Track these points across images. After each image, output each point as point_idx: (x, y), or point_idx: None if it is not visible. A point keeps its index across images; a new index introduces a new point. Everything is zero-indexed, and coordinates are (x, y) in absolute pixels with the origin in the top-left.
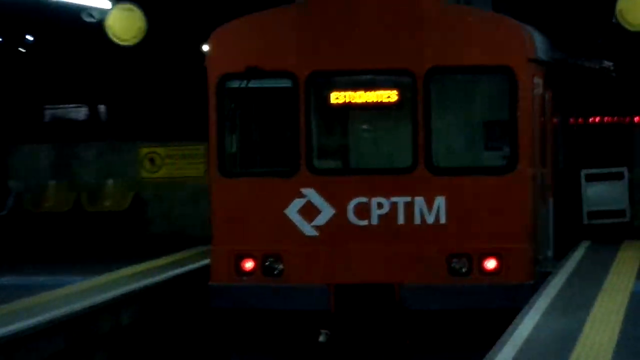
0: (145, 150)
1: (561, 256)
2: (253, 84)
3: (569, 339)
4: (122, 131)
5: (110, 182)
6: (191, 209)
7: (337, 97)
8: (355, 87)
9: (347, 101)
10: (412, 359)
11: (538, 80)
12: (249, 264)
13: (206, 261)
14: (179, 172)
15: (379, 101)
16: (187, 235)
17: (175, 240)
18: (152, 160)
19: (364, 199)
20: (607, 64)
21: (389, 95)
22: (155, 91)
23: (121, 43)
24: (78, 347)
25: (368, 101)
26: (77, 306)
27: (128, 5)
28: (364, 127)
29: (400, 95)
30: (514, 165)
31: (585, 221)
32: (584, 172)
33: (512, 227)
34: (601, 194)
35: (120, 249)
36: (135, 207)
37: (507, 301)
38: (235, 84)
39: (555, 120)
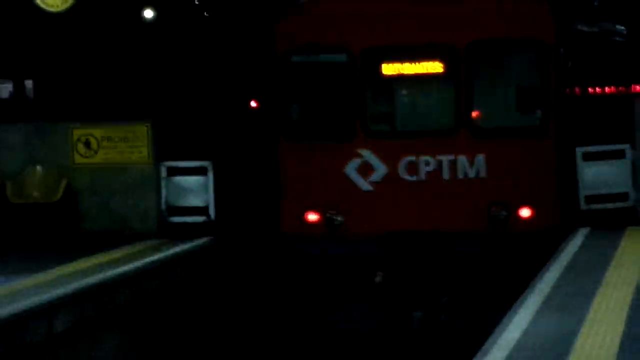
0: (79, 132)
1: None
2: (314, 58)
3: (565, 341)
4: (52, 110)
5: (38, 169)
6: (133, 200)
7: (388, 69)
8: (403, 59)
9: (397, 72)
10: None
11: (563, 50)
12: (312, 217)
13: (154, 257)
14: (119, 157)
15: (425, 72)
16: (128, 229)
17: (114, 236)
18: (87, 144)
19: (412, 158)
20: (609, 26)
21: (434, 67)
22: (89, 64)
23: (49, 9)
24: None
25: (415, 72)
26: (2, 312)
27: None
28: (412, 95)
29: (444, 66)
30: (546, 126)
31: (583, 206)
32: (580, 150)
33: (543, 180)
34: (600, 175)
35: (50, 245)
36: (67, 198)
37: (541, 246)
38: (298, 58)
39: (576, 88)
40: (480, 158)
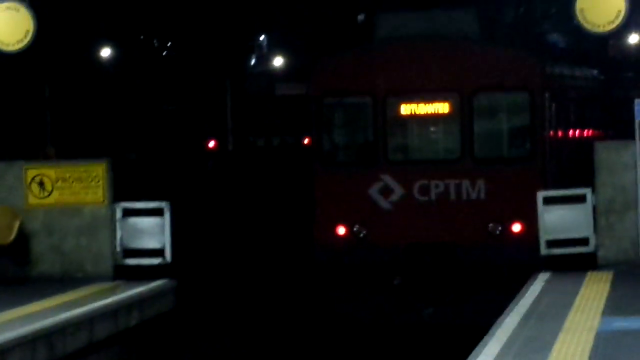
0: (33, 172)
1: None
2: (344, 100)
3: None
4: (3, 148)
5: None
6: (87, 241)
7: (405, 110)
8: (418, 102)
9: (412, 113)
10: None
11: (548, 95)
12: (341, 230)
13: (108, 300)
14: (73, 197)
15: (435, 112)
16: (82, 271)
17: (67, 278)
18: (41, 184)
19: (425, 182)
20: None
21: (443, 108)
22: (45, 104)
23: (4, 48)
24: None
25: (427, 112)
26: None
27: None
28: (425, 130)
29: (451, 108)
30: (534, 156)
31: (544, 251)
32: (541, 194)
33: (531, 200)
34: (561, 219)
35: (1, 288)
36: (20, 239)
37: (530, 255)
38: (330, 100)
39: (560, 128)
40: (480, 183)
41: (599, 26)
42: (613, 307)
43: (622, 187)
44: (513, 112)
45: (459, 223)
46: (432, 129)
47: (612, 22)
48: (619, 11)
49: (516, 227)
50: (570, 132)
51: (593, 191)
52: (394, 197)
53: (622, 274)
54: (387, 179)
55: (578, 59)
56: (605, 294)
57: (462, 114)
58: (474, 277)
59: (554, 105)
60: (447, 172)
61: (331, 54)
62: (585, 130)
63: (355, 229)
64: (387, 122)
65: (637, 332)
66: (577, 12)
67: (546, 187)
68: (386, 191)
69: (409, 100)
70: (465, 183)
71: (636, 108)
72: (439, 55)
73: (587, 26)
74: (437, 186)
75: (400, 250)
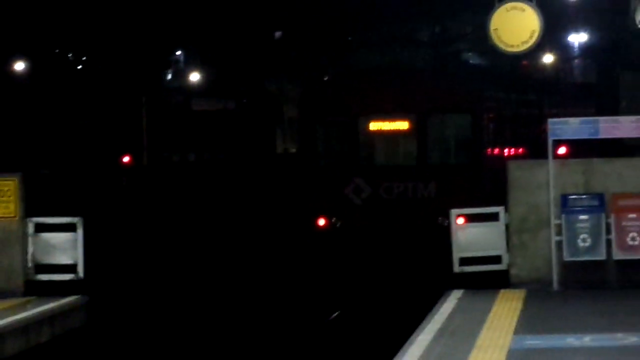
0: None
1: None
2: (327, 120)
3: None
4: None
5: None
6: None
7: (374, 126)
8: (384, 120)
9: (379, 128)
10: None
11: (485, 116)
12: (322, 222)
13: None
14: None
15: (397, 129)
16: None
17: None
18: None
19: (388, 183)
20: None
21: (403, 125)
22: None
23: None
24: None
25: (391, 129)
26: None
27: None
28: (389, 142)
29: (409, 125)
30: (474, 163)
31: (457, 269)
32: (454, 212)
33: (472, 198)
34: (475, 237)
35: None
36: None
37: None
38: (317, 120)
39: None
40: (432, 184)
41: (512, 46)
42: (525, 325)
43: (535, 206)
44: (458, 129)
45: (415, 216)
46: (394, 141)
47: (526, 42)
48: (533, 31)
49: (460, 220)
50: (504, 146)
51: (506, 209)
52: (364, 195)
53: (534, 292)
54: (359, 181)
55: (512, 82)
56: (517, 312)
57: (418, 130)
58: (426, 259)
59: (490, 124)
60: (406, 176)
61: (316, 85)
62: (518, 146)
63: (333, 220)
64: (359, 136)
65: (548, 350)
66: (492, 32)
67: (483, 189)
68: (358, 191)
69: (376, 119)
70: (420, 185)
71: (550, 127)
72: (400, 84)
73: (502, 46)
74: (398, 187)
75: (367, 236)
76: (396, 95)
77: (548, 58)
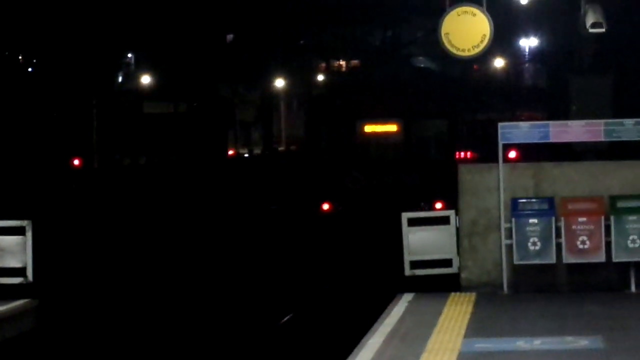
0: None
1: None
2: (332, 122)
3: None
4: None
5: None
6: None
7: (369, 129)
8: (377, 124)
9: (373, 130)
10: None
11: (460, 120)
12: (326, 206)
13: None
14: None
15: (387, 130)
16: None
17: None
18: None
19: (380, 175)
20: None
21: (392, 128)
22: None
23: None
24: None
25: (383, 130)
26: None
27: None
28: (381, 141)
29: (397, 128)
30: (450, 160)
31: (408, 272)
32: (405, 215)
33: (447, 187)
34: (426, 241)
35: None
36: None
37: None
38: (325, 122)
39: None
40: (416, 175)
41: (463, 50)
42: (475, 328)
43: (485, 210)
44: (437, 131)
45: (401, 202)
46: (385, 141)
47: (477, 46)
48: (484, 35)
49: (438, 205)
50: (477, 146)
51: (457, 213)
52: (360, 184)
53: (484, 295)
54: (356, 173)
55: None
56: (467, 315)
57: (404, 132)
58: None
59: (464, 127)
60: (394, 169)
61: (320, 96)
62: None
63: (335, 205)
64: (356, 136)
65: (498, 353)
66: (442, 36)
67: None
68: (355, 181)
69: (370, 123)
70: (406, 176)
71: (500, 131)
72: (390, 95)
73: (452, 50)
74: (387, 178)
75: (363, 218)
76: (387, 104)
77: (499, 62)
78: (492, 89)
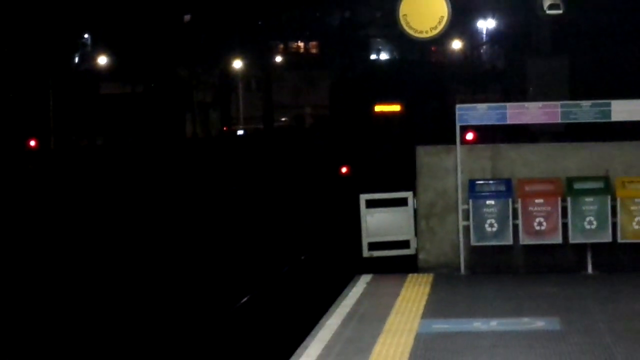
0: None
1: None
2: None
3: None
4: None
5: None
6: None
7: (378, 109)
8: (384, 104)
9: (381, 110)
10: None
11: (451, 99)
12: (344, 170)
13: None
14: None
15: (392, 110)
16: None
17: None
18: None
19: (387, 144)
20: None
21: (396, 107)
22: None
23: None
24: None
25: (389, 110)
26: None
27: None
28: (387, 118)
29: (400, 107)
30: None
31: (366, 253)
32: (363, 197)
33: None
34: (384, 222)
35: None
36: None
37: None
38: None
39: None
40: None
41: (421, 32)
42: (432, 309)
43: (443, 191)
44: (434, 109)
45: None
46: (391, 118)
47: (435, 27)
48: (442, 17)
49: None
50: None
51: (415, 195)
52: (371, 151)
53: (442, 276)
54: (369, 143)
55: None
56: (425, 297)
57: (406, 111)
58: None
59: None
60: (397, 140)
61: (340, 81)
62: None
63: (352, 167)
64: (368, 114)
65: (455, 334)
66: (400, 18)
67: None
68: (368, 148)
69: (379, 103)
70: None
71: (457, 113)
72: (394, 80)
73: (410, 32)
74: (392, 147)
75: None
76: (392, 88)
77: (457, 44)
78: (449, 72)
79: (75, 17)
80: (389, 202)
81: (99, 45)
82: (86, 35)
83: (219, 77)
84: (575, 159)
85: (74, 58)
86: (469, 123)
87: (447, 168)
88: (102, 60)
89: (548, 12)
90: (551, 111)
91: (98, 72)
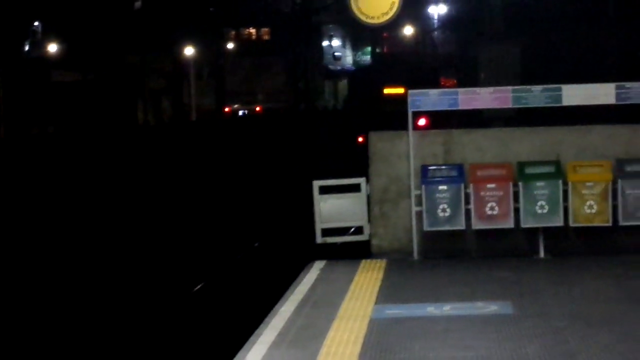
0: None
1: None
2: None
3: None
4: None
5: None
6: None
7: (387, 91)
8: (392, 87)
9: (390, 92)
10: None
11: (450, 84)
12: (360, 139)
13: None
14: None
15: (398, 92)
16: None
17: None
18: None
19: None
20: None
21: (401, 90)
22: None
23: None
24: None
25: (395, 92)
26: None
27: None
28: (396, 100)
29: (404, 90)
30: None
31: (319, 240)
32: (316, 183)
33: None
34: (337, 208)
35: None
36: None
37: None
38: (360, 87)
39: None
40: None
41: (373, 17)
42: (386, 294)
43: (396, 177)
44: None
45: None
46: (398, 99)
47: (386, 13)
48: (393, 3)
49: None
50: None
51: (368, 180)
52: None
53: (395, 262)
54: (379, 118)
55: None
56: (378, 282)
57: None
58: None
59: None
60: (402, 116)
61: (357, 69)
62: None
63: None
64: (379, 96)
65: (409, 319)
66: (352, 3)
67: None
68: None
69: (388, 87)
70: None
71: (409, 99)
72: (401, 67)
73: (362, 17)
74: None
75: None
76: (398, 74)
77: (408, 30)
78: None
79: (26, 4)
80: (342, 188)
81: (50, 33)
82: (37, 23)
83: (171, 63)
84: (526, 143)
85: (24, 45)
86: (421, 109)
87: (400, 154)
88: (53, 47)
89: None
90: (502, 96)
91: (49, 60)
